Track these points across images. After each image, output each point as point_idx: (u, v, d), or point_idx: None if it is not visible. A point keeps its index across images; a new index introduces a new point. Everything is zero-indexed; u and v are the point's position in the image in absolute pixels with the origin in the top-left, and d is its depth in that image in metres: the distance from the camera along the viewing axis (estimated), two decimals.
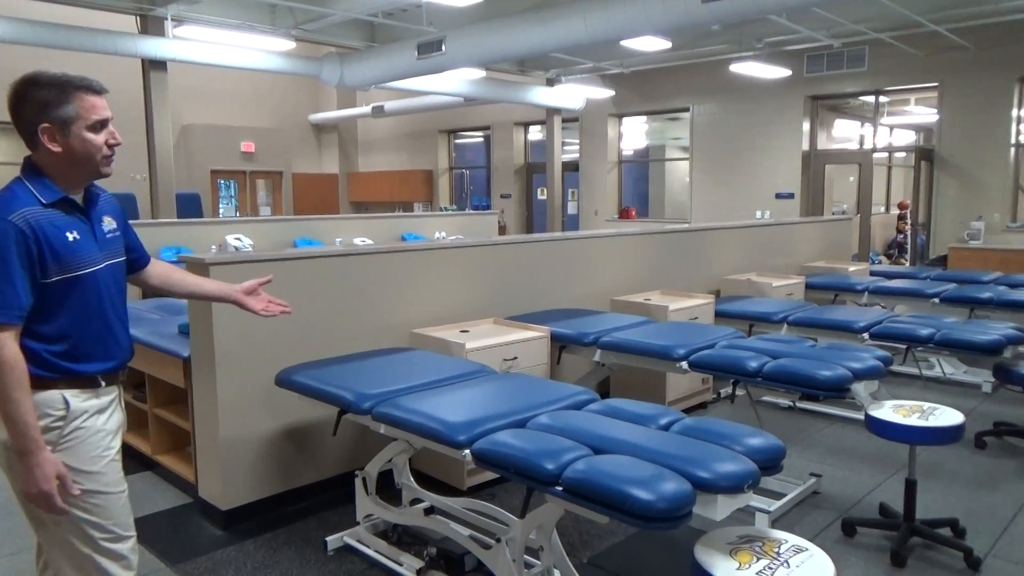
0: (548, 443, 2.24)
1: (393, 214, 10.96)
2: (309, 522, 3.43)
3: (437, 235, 10.55)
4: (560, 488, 2.08)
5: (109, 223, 1.99)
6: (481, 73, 11.13)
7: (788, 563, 1.96)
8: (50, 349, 1.84)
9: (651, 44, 8.55)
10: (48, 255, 1.80)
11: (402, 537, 3.16)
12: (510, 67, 11.88)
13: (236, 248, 8.21)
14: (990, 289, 5.72)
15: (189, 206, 11.19)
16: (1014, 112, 9.19)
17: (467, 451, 2.34)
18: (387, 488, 3.26)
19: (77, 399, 1.88)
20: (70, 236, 1.84)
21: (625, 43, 8.44)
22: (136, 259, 2.17)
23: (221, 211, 14.54)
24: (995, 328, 4.33)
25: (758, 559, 1.98)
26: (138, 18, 8.54)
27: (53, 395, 1.85)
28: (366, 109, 15.11)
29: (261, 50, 9.35)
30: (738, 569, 1.93)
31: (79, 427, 1.88)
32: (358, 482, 3.19)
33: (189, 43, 8.76)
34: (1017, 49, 8.96)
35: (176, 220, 8.64)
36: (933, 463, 4.02)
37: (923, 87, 10.15)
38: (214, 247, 8.21)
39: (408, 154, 16.77)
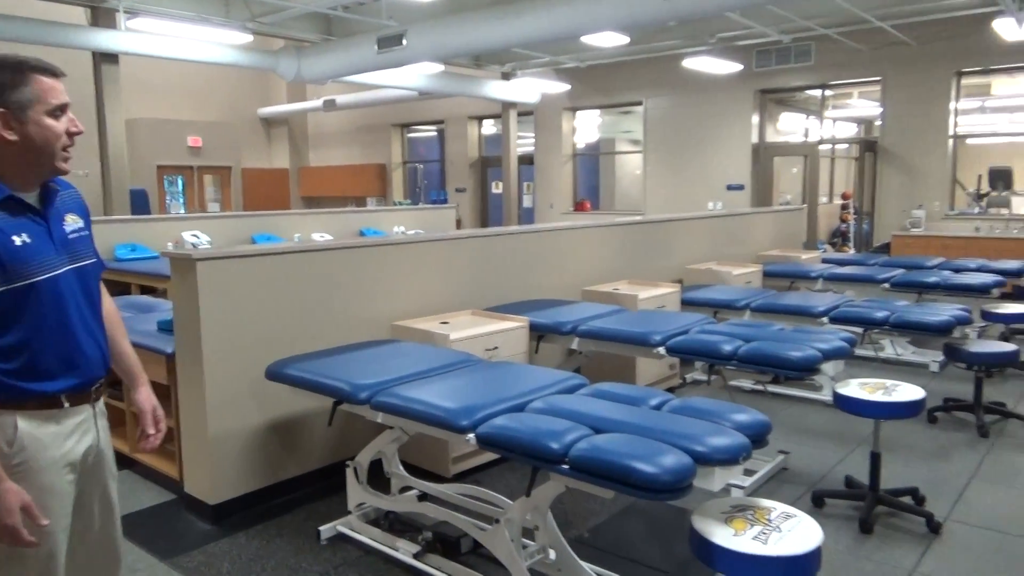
0: (550, 424, 2.34)
1: (349, 209, 10.91)
2: (299, 513, 3.47)
3: (396, 229, 10.55)
4: (567, 466, 2.19)
5: (74, 222, 1.81)
6: (438, 67, 11.14)
7: (780, 528, 2.11)
8: (1, 367, 1.66)
9: (610, 39, 8.69)
10: None
11: (393, 524, 3.23)
12: (466, 61, 11.90)
13: (194, 245, 8.11)
14: (935, 274, 6.04)
15: (137, 203, 10.94)
16: (952, 105, 9.65)
17: (471, 435, 2.42)
18: (375, 477, 3.32)
19: (30, 425, 1.69)
20: (17, 240, 1.65)
21: (584, 38, 8.57)
22: None
23: (169, 207, 14.23)
24: (944, 310, 4.60)
25: (752, 525, 2.12)
26: (88, 10, 8.31)
27: (4, 420, 1.67)
28: (317, 103, 14.94)
29: (215, 43, 9.20)
30: (735, 535, 2.06)
31: (25, 460, 1.69)
32: (349, 472, 3.24)
33: (143, 36, 8.57)
34: (955, 44, 9.39)
35: (131, 217, 8.47)
36: (890, 437, 4.26)
37: (867, 81, 10.56)
38: (171, 244, 8.09)
39: (360, 148, 16.66)
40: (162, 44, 8.75)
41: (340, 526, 3.23)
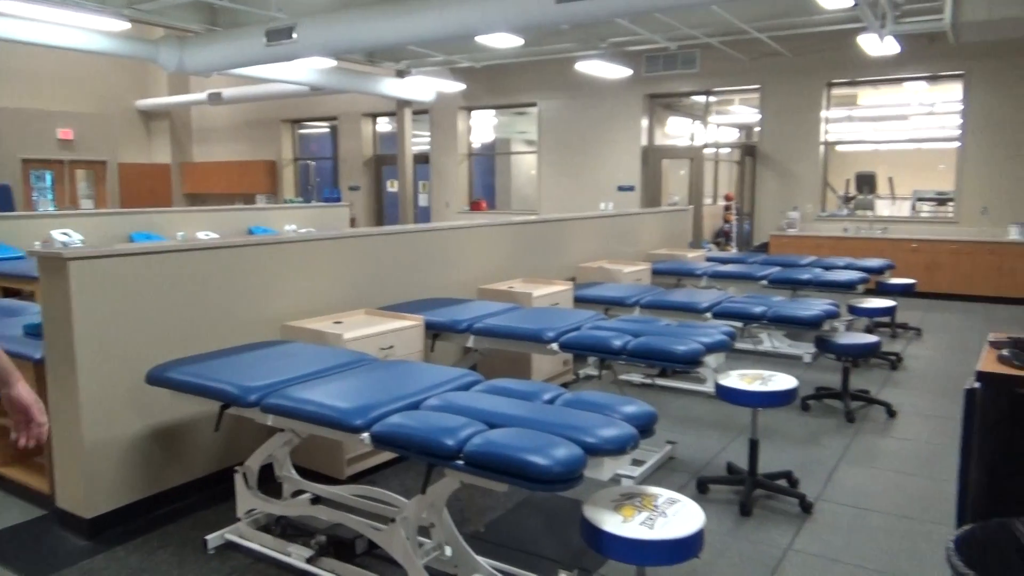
0: (445, 421, 2.35)
1: (237, 206, 10.53)
2: (183, 523, 3.32)
3: (287, 228, 10.27)
4: (461, 462, 2.20)
5: None
6: (330, 62, 10.90)
7: (665, 513, 2.20)
8: None
9: (504, 40, 8.77)
10: None
11: (286, 529, 3.15)
12: (360, 57, 11.71)
13: (65, 244, 7.64)
14: (808, 271, 6.45)
15: None
16: (823, 113, 10.32)
17: (366, 434, 2.40)
18: (266, 483, 3.23)
19: None
20: None
21: (478, 38, 8.61)
22: None
23: (36, 204, 13.27)
24: (816, 305, 4.92)
25: (640, 511, 2.20)
26: None
27: None
28: (201, 96, 14.32)
29: (89, 30, 8.65)
30: (624, 522, 2.14)
31: None
32: (238, 478, 3.13)
33: (6, 19, 7.94)
34: (825, 57, 10.06)
35: None
36: (768, 425, 4.52)
37: (747, 89, 11.12)
38: (38, 243, 7.58)
39: (249, 144, 16.09)
40: (28, 29, 8.15)
41: (228, 534, 3.12)
